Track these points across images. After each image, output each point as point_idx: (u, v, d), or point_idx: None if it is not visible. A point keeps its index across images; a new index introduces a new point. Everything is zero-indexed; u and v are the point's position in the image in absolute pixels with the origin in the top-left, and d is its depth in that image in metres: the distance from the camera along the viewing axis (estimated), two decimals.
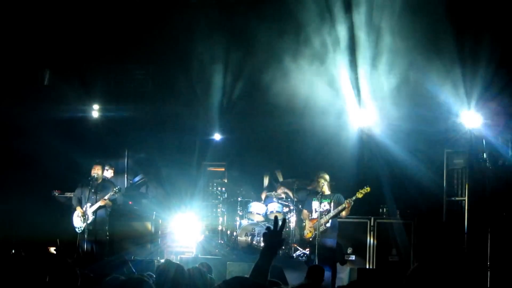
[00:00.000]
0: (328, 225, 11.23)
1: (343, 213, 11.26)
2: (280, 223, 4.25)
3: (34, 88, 13.97)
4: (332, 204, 11.24)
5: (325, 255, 11.04)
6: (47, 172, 13.58)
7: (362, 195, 11.08)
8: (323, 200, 11.34)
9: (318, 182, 11.34)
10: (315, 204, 11.35)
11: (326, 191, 11.40)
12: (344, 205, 11.06)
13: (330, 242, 11.25)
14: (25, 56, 13.15)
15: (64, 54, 13.42)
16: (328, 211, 11.26)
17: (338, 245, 11.63)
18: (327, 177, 11.41)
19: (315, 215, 11.33)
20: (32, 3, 12.47)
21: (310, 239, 11.35)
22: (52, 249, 12.16)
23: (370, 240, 12.42)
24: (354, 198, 11.07)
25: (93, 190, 11.85)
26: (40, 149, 13.52)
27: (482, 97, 11.70)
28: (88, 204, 11.78)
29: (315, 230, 11.21)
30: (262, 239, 4.44)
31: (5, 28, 12.42)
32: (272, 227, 4.25)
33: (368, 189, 11.11)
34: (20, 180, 13.56)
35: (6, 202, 12.96)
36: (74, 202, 12.11)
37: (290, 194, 13.09)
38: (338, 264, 11.55)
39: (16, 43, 12.79)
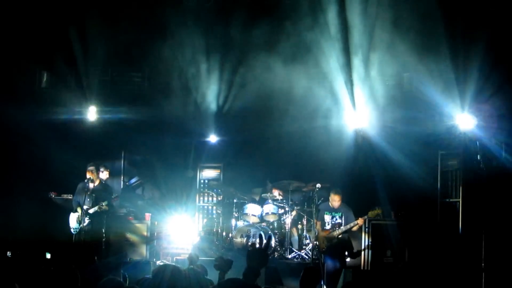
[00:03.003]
0: (340, 237, 11.66)
1: (354, 228, 11.70)
2: (265, 242, 4.28)
3: (31, 90, 13.99)
4: (343, 217, 11.69)
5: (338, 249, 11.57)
6: (43, 173, 13.60)
7: (373, 215, 11.64)
8: (335, 214, 11.76)
9: (333, 200, 11.72)
10: (327, 217, 11.76)
11: (338, 205, 11.76)
12: (356, 223, 11.54)
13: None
14: (23, 58, 13.17)
15: (61, 57, 13.45)
16: (340, 224, 11.67)
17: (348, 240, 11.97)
18: (338, 195, 11.69)
19: (328, 227, 11.72)
20: (29, 6, 12.50)
21: (324, 249, 11.52)
22: (48, 255, 12.18)
23: (365, 241, 12.48)
24: (366, 217, 11.57)
25: (89, 193, 11.88)
26: (37, 151, 13.55)
27: (475, 99, 11.78)
28: (85, 207, 11.78)
29: (327, 242, 11.61)
30: (246, 258, 4.47)
31: (2, 30, 12.45)
32: (257, 245, 4.27)
33: (380, 211, 11.67)
34: (16, 181, 13.57)
35: (3, 203, 12.97)
36: (74, 205, 12.05)
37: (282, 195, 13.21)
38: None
39: (14, 45, 12.81)
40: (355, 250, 12.33)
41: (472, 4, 11.45)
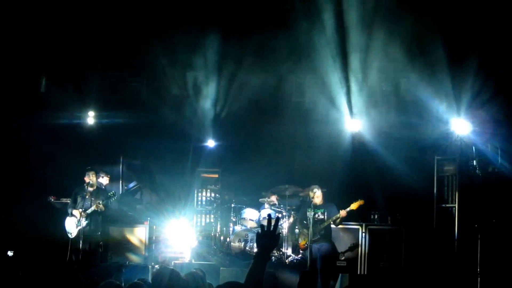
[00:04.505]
0: (322, 232, 11.51)
1: (336, 222, 11.54)
2: (273, 222, 4.24)
3: (30, 95, 14.00)
4: (325, 213, 11.54)
5: (317, 261, 11.31)
6: (42, 178, 13.62)
7: (356, 207, 11.41)
8: (317, 210, 11.62)
9: (311, 195, 11.60)
10: (309, 214, 11.58)
11: (320, 202, 11.63)
12: (338, 215, 11.36)
13: (325, 247, 11.44)
14: (21, 63, 13.20)
15: (60, 62, 13.49)
16: (322, 220, 11.52)
17: (332, 251, 11.86)
18: (318, 190, 11.60)
19: (310, 225, 11.50)
20: (28, 11, 12.55)
21: (306, 245, 11.49)
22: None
23: (362, 246, 12.53)
24: (348, 209, 11.36)
25: (87, 197, 11.89)
26: (35, 155, 13.59)
27: (471, 105, 11.87)
28: (81, 210, 11.75)
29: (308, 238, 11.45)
30: (255, 242, 4.43)
31: (1, 35, 12.50)
32: (265, 227, 4.26)
33: (362, 201, 11.44)
34: (16, 185, 13.60)
35: (1, 207, 13.00)
36: (70, 210, 11.99)
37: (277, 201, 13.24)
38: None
39: (12, 50, 12.85)
40: (341, 257, 12.36)
41: (469, 10, 11.54)
